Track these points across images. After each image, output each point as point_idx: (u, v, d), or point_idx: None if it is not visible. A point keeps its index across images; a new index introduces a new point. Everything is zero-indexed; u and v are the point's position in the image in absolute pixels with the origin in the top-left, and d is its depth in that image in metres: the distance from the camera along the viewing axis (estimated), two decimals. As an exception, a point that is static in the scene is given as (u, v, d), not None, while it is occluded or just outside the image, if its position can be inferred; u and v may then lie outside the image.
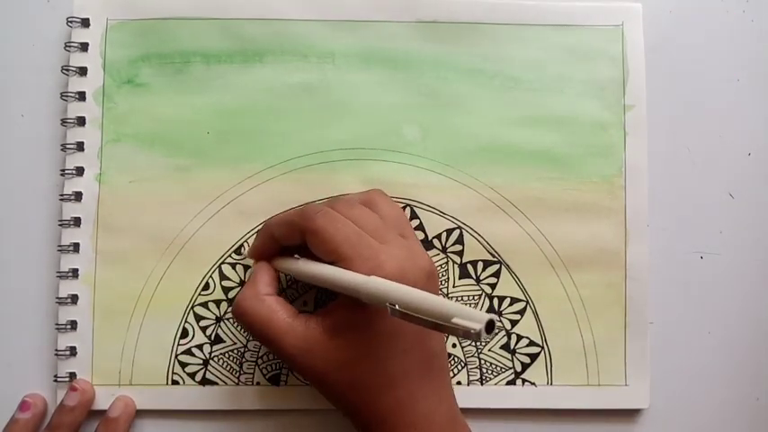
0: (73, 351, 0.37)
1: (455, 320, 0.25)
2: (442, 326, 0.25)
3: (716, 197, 0.40)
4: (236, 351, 0.37)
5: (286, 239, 0.33)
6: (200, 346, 0.37)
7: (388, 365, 0.31)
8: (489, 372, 0.38)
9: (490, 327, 0.24)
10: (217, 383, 0.37)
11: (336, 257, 0.31)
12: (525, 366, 0.38)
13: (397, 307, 0.27)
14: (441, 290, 0.38)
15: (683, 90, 0.40)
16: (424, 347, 0.32)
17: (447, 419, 0.32)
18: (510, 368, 0.38)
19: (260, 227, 0.38)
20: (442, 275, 0.38)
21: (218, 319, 0.38)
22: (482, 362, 0.38)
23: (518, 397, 0.38)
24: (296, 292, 0.38)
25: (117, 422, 0.36)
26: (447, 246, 0.38)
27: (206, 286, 0.38)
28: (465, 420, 0.33)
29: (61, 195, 0.38)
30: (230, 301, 0.38)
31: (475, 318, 0.24)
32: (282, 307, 0.32)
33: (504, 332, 0.38)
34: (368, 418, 0.31)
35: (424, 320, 0.26)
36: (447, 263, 0.38)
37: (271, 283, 0.34)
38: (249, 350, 0.37)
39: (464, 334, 0.24)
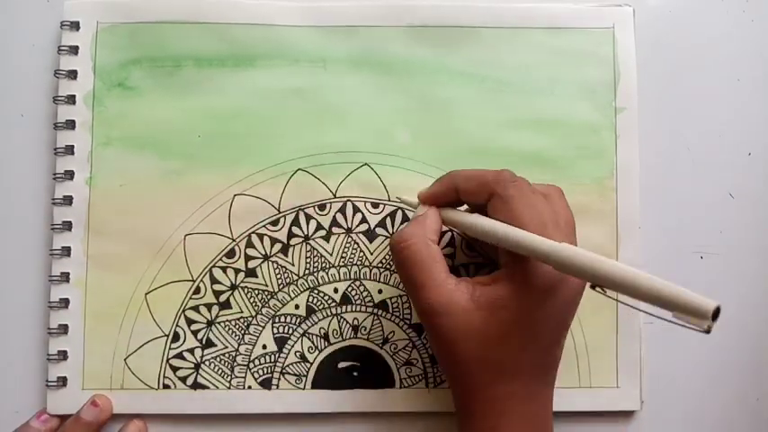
0: (64, 355, 0.37)
1: (675, 313, 0.24)
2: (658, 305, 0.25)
3: (716, 197, 0.40)
4: (227, 355, 0.37)
5: (469, 195, 0.32)
6: (191, 350, 0.37)
7: (520, 355, 0.30)
8: (481, 374, 0.38)
9: (716, 314, 0.24)
10: (208, 387, 0.37)
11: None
12: (517, 369, 0.38)
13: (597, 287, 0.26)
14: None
15: (683, 90, 0.40)
16: (554, 350, 0.31)
17: (541, 425, 0.31)
18: (502, 371, 0.38)
19: (256, 227, 0.38)
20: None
21: (210, 323, 0.38)
22: (474, 365, 0.38)
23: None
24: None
25: None
26: (438, 249, 0.38)
27: (197, 290, 0.38)
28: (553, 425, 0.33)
29: (53, 199, 0.38)
30: (221, 305, 0.38)
31: (700, 307, 0.24)
32: (442, 260, 0.31)
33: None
34: (475, 397, 0.31)
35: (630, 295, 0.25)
36: (439, 266, 0.38)
37: (437, 231, 0.33)
38: (241, 354, 0.37)
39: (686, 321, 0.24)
